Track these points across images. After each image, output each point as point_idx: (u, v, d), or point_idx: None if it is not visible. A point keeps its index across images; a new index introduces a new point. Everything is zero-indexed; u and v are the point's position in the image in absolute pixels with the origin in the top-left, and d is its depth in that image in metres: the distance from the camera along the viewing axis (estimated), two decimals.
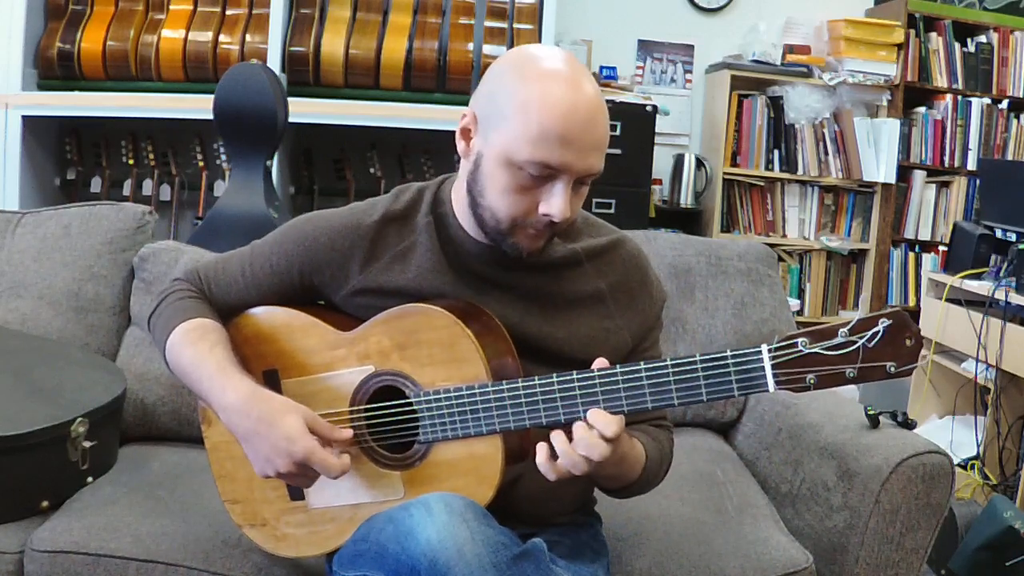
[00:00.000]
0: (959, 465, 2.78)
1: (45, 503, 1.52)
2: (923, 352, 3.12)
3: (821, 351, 1.03)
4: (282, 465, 1.16)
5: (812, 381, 1.04)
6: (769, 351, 1.05)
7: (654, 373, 1.09)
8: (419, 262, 1.28)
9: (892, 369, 1.02)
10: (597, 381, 1.12)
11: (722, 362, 1.06)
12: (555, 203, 1.15)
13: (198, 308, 1.33)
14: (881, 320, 1.02)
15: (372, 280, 1.29)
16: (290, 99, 2.92)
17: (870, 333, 1.02)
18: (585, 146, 1.14)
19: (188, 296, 1.35)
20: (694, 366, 1.08)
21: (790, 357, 1.04)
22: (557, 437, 1.12)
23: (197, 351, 1.26)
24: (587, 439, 1.10)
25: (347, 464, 1.19)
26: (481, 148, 1.19)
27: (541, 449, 1.12)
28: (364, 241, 1.29)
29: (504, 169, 1.16)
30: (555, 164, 1.14)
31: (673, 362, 1.09)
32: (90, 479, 1.60)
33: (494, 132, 1.17)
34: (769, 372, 1.05)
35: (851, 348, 1.03)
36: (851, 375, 1.03)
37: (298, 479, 1.20)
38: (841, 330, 1.03)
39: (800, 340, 1.04)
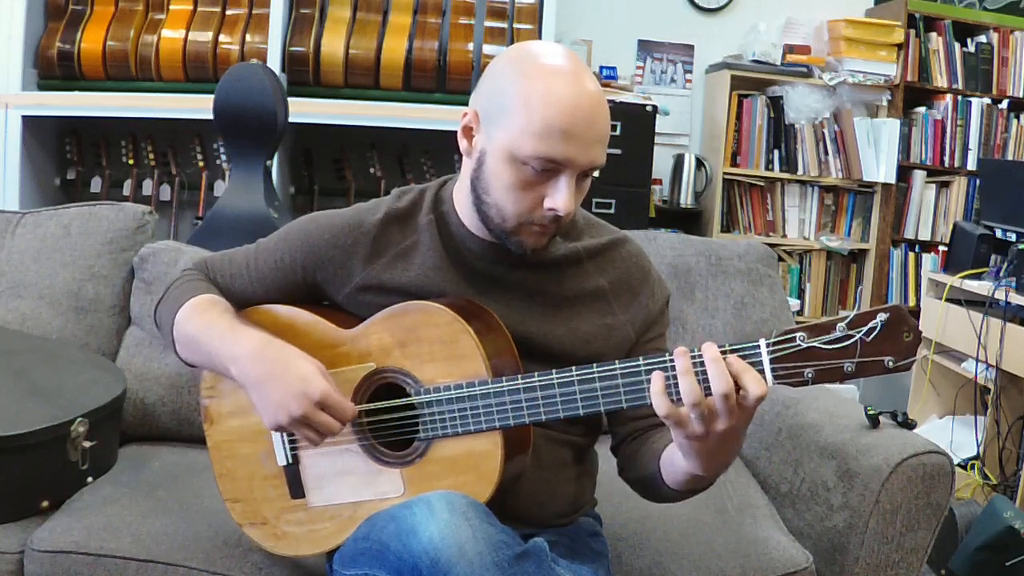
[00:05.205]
0: (959, 465, 2.78)
1: (45, 503, 1.52)
2: (923, 352, 3.12)
3: (819, 345, 1.03)
4: (296, 407, 1.16)
5: (810, 375, 1.04)
6: (767, 345, 1.05)
7: (653, 368, 1.09)
8: (421, 260, 1.29)
9: (890, 363, 1.02)
10: (596, 377, 1.12)
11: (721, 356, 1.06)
12: (560, 197, 1.16)
13: (207, 288, 1.35)
14: (879, 314, 1.01)
15: (374, 277, 1.29)
16: (290, 99, 2.91)
17: (868, 327, 1.01)
18: (588, 140, 1.15)
19: (197, 279, 1.37)
20: (693, 361, 1.07)
21: (788, 351, 1.04)
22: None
23: (207, 317, 1.28)
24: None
25: (355, 411, 1.21)
26: (484, 145, 1.20)
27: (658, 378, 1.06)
28: (367, 239, 1.30)
29: (508, 165, 1.17)
30: (559, 158, 1.14)
31: (672, 357, 1.08)
32: (90, 479, 1.60)
33: (497, 129, 1.17)
34: (767, 366, 1.04)
35: (849, 342, 1.02)
36: (849, 370, 1.03)
37: (308, 430, 1.19)
38: (839, 324, 1.02)
39: (798, 334, 1.03)
